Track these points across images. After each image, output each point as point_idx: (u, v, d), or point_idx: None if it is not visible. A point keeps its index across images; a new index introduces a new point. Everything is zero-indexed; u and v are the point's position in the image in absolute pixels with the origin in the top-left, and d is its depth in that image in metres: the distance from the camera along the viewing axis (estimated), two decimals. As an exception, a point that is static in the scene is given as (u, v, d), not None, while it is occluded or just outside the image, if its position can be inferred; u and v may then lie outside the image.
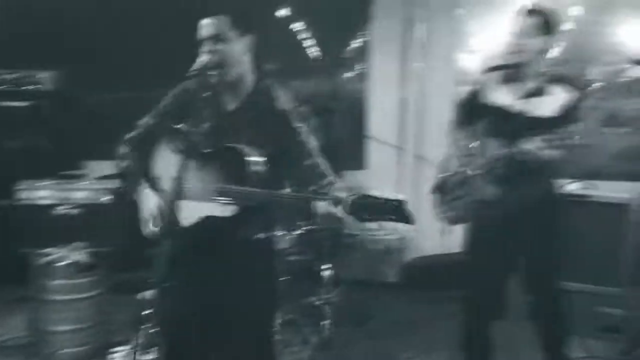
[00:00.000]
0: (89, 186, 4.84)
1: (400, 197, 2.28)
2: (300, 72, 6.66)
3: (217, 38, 2.66)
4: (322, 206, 2.47)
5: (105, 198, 4.73)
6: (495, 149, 3.41)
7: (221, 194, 2.59)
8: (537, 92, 3.41)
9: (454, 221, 3.70)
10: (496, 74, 3.56)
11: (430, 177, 5.55)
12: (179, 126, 2.73)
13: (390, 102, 5.98)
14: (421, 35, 5.78)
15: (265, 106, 2.76)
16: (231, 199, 2.58)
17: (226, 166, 2.63)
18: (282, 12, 6.27)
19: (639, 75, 5.38)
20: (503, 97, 3.49)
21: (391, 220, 2.25)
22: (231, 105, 2.78)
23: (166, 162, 2.77)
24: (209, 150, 2.68)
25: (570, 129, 3.07)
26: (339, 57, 6.50)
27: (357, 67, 6.48)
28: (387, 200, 2.27)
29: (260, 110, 2.75)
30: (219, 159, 2.65)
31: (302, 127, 2.76)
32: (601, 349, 4.40)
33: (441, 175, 3.71)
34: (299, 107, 2.80)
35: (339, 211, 2.41)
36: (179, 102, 2.84)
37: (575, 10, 5.71)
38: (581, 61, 5.80)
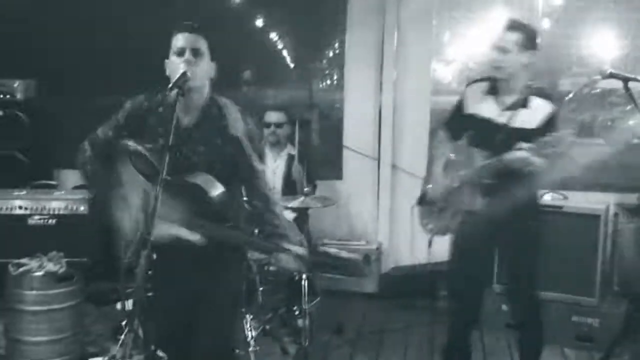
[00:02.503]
0: (64, 196, 4.79)
1: (353, 256, 2.37)
2: (276, 82, 6.69)
3: (196, 52, 2.73)
4: (282, 257, 2.60)
5: (81, 208, 4.69)
6: (481, 160, 3.45)
7: (187, 225, 2.65)
8: (521, 105, 3.46)
9: (440, 232, 3.73)
10: (480, 87, 3.60)
11: (405, 186, 5.68)
12: (130, 143, 2.78)
13: (366, 112, 6.00)
14: (396, 45, 5.82)
15: (217, 126, 2.81)
16: (198, 230, 2.64)
17: (189, 197, 2.67)
18: (258, 22, 6.30)
19: (609, 87, 5.49)
20: (487, 109, 3.53)
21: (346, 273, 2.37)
22: (186, 122, 2.80)
23: (131, 177, 2.80)
24: (170, 179, 2.69)
25: (553, 137, 3.11)
26: (315, 67, 6.52)
27: (333, 77, 6.51)
28: (341, 259, 2.36)
29: (213, 129, 2.80)
30: (180, 191, 2.67)
31: (253, 153, 2.83)
32: (577, 358, 4.46)
33: (429, 187, 3.74)
34: (251, 129, 2.85)
35: (297, 265, 2.55)
36: (132, 117, 2.85)
37: (546, 24, 5.82)
38: (553, 73, 5.91)
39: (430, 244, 3.87)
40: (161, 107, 2.78)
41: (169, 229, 2.63)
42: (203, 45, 2.76)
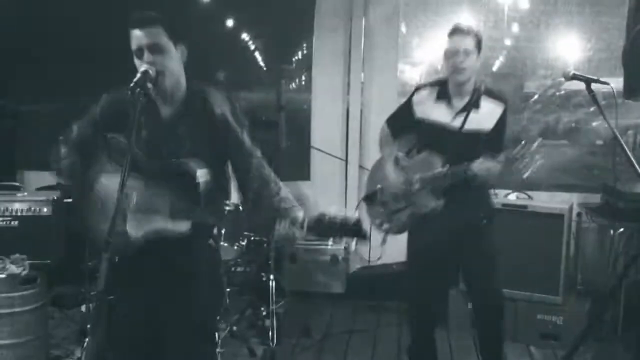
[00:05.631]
0: (27, 197, 4.72)
1: (357, 216, 2.32)
2: (244, 83, 6.67)
3: (154, 48, 2.59)
4: (281, 226, 2.46)
5: (44, 209, 4.62)
6: (439, 164, 3.48)
7: (175, 212, 2.56)
8: (472, 107, 3.51)
9: (396, 231, 3.76)
10: (430, 91, 3.63)
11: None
12: (113, 135, 2.69)
13: (334, 113, 6.02)
14: (363, 47, 5.85)
15: (201, 111, 2.71)
16: (185, 217, 2.56)
17: (176, 183, 2.58)
18: (227, 23, 6.28)
19: (574, 88, 5.57)
20: (439, 113, 3.57)
21: (348, 237, 2.29)
22: (165, 113, 2.73)
23: (108, 173, 2.71)
24: (154, 164, 2.63)
25: (524, 148, 3.16)
26: (282, 69, 6.51)
27: (300, 79, 6.52)
28: (345, 220, 2.29)
29: (197, 116, 2.71)
30: (167, 174, 2.60)
31: (241, 132, 2.72)
32: (541, 356, 4.51)
33: (379, 186, 3.76)
34: (236, 108, 2.74)
35: (297, 230, 2.41)
36: (111, 111, 2.77)
37: (513, 26, 5.89)
38: (519, 76, 5.98)
39: (383, 242, 3.88)
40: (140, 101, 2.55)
41: (150, 224, 2.57)
42: (161, 37, 2.60)
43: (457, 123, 3.51)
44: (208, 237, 2.77)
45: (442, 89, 3.59)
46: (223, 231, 3.10)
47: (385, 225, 3.77)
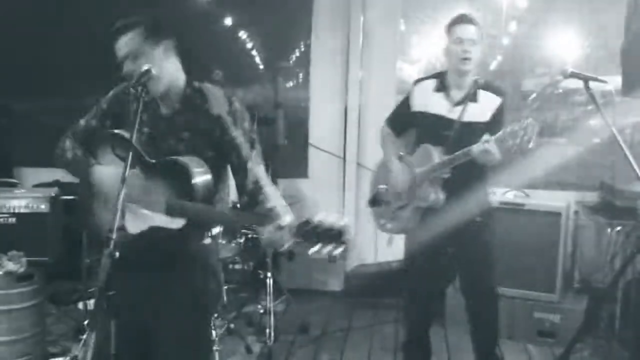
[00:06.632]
0: (25, 194, 4.71)
1: (343, 223, 2.30)
2: (242, 80, 6.67)
3: (133, 55, 2.58)
4: (267, 230, 2.43)
5: (42, 206, 4.61)
6: (438, 156, 3.47)
7: (170, 208, 2.54)
8: (470, 99, 3.51)
9: (400, 230, 3.75)
10: (428, 84, 3.64)
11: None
12: (117, 131, 2.67)
13: (332, 110, 6.02)
14: (362, 44, 5.84)
15: (198, 110, 2.70)
16: (181, 214, 2.54)
17: (172, 180, 2.58)
18: (225, 22, 6.28)
19: (572, 86, 5.57)
20: (437, 105, 3.57)
21: (332, 244, 2.28)
22: (165, 110, 2.72)
23: (110, 167, 2.70)
24: (153, 161, 2.63)
25: (518, 126, 3.11)
26: (281, 66, 6.51)
27: (298, 77, 6.51)
28: (331, 227, 2.28)
29: (195, 114, 2.69)
30: (164, 172, 2.60)
31: (238, 133, 2.69)
32: (539, 354, 4.52)
33: (381, 187, 3.76)
34: (234, 109, 2.70)
35: (284, 236, 2.41)
36: (117, 105, 2.77)
37: (511, 24, 5.89)
38: (517, 74, 5.98)
39: (390, 242, 3.88)
40: (145, 96, 2.56)
41: (145, 220, 2.57)
42: (137, 42, 2.58)
43: (455, 114, 3.51)
44: (204, 235, 2.76)
45: (441, 81, 3.60)
46: (221, 229, 3.09)
47: (389, 225, 3.77)
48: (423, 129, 3.65)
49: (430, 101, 3.60)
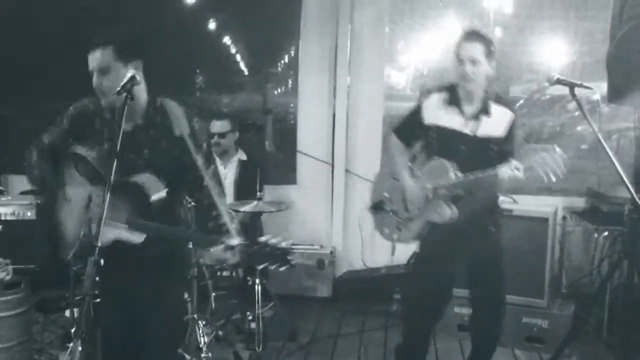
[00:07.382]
0: (11, 201, 4.68)
1: (285, 244, 2.37)
2: (230, 87, 6.67)
3: (101, 70, 2.68)
4: (214, 250, 2.55)
5: (28, 213, 4.58)
6: (449, 171, 3.43)
7: (130, 225, 2.67)
8: (483, 113, 3.46)
9: (407, 240, 3.74)
10: (440, 97, 3.56)
11: (359, 191, 5.70)
12: (77, 151, 2.80)
13: (320, 117, 6.02)
14: (350, 51, 5.86)
15: (159, 128, 2.79)
16: (139, 230, 2.67)
17: (131, 198, 2.69)
18: (212, 27, 6.28)
19: (559, 93, 5.60)
20: (450, 119, 3.51)
21: (275, 264, 2.36)
22: (127, 127, 2.74)
23: (75, 181, 2.82)
24: (112, 180, 2.68)
25: (549, 156, 3.11)
26: (269, 72, 6.51)
27: (287, 83, 6.51)
28: (274, 247, 2.35)
29: (156, 131, 2.79)
30: (124, 190, 2.66)
31: (198, 156, 2.76)
32: (527, 359, 4.52)
33: (385, 194, 3.76)
34: (195, 131, 2.79)
35: (229, 256, 2.51)
36: (79, 122, 2.85)
37: (497, 32, 5.91)
38: (504, 80, 6.01)
39: (393, 251, 3.88)
40: (108, 112, 2.75)
41: (108, 232, 2.61)
42: (108, 59, 2.67)
43: (468, 128, 3.47)
44: (162, 249, 2.79)
45: (452, 95, 3.53)
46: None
47: (395, 235, 3.75)
48: (436, 143, 3.56)
49: (442, 114, 3.53)
